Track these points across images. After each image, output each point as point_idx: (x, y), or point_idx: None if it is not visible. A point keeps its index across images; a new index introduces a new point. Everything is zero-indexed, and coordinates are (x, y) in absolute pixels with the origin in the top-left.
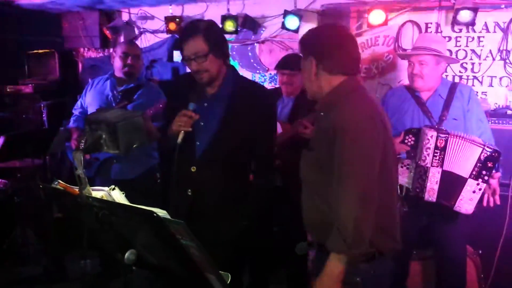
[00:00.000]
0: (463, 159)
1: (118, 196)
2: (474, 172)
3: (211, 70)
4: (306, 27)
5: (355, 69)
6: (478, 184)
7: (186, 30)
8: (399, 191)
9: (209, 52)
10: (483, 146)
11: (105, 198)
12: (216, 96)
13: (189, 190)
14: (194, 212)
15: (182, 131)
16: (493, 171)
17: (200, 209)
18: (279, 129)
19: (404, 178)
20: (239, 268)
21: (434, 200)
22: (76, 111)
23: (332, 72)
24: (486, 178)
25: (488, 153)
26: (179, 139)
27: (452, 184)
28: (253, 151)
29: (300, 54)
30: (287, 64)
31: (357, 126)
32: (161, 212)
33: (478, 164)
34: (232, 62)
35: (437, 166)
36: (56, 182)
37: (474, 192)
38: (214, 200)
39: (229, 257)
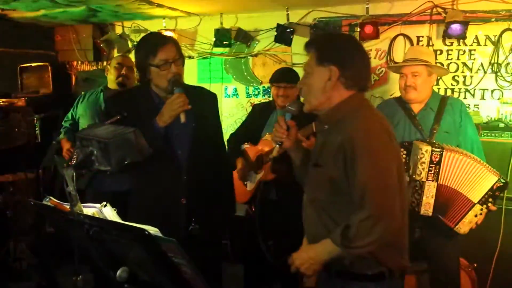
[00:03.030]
0: (474, 183)
1: (110, 213)
2: (483, 199)
3: (182, 74)
4: (299, 41)
5: (367, 85)
6: (481, 209)
7: (160, 37)
8: None
9: (181, 57)
10: (499, 176)
11: (97, 215)
12: None
13: (183, 199)
14: (189, 220)
15: (183, 112)
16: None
17: (194, 216)
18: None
19: None
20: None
21: (430, 214)
22: (66, 123)
23: (348, 86)
24: (489, 205)
25: (502, 183)
26: (183, 119)
27: (455, 204)
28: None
29: (288, 67)
30: (283, 77)
31: (378, 142)
32: (153, 230)
33: (489, 192)
34: (226, 75)
35: (432, 180)
36: (48, 199)
37: (475, 216)
38: (205, 202)
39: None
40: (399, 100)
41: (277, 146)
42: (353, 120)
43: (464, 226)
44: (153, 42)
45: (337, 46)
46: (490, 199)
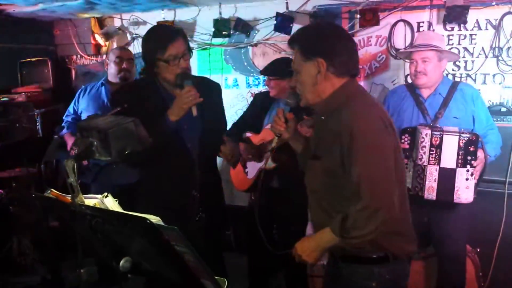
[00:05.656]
0: (445, 151)
1: (111, 203)
2: (459, 161)
3: (189, 67)
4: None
5: (358, 70)
6: (467, 170)
7: (169, 32)
8: None
9: (189, 51)
10: (458, 134)
11: (98, 206)
12: None
13: (194, 191)
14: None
15: (194, 104)
16: (477, 153)
17: (203, 206)
18: None
19: None
20: None
21: (434, 198)
22: (68, 118)
23: (339, 74)
24: (472, 162)
25: (466, 138)
26: (195, 112)
27: (448, 179)
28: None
29: (290, 57)
30: (268, 70)
31: (374, 130)
32: (154, 219)
33: (460, 152)
34: (225, 66)
35: (434, 164)
36: (49, 191)
37: (467, 179)
38: (215, 192)
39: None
40: (409, 86)
41: (277, 137)
42: (348, 109)
43: (463, 194)
44: (163, 37)
45: (319, 38)
46: (469, 157)
